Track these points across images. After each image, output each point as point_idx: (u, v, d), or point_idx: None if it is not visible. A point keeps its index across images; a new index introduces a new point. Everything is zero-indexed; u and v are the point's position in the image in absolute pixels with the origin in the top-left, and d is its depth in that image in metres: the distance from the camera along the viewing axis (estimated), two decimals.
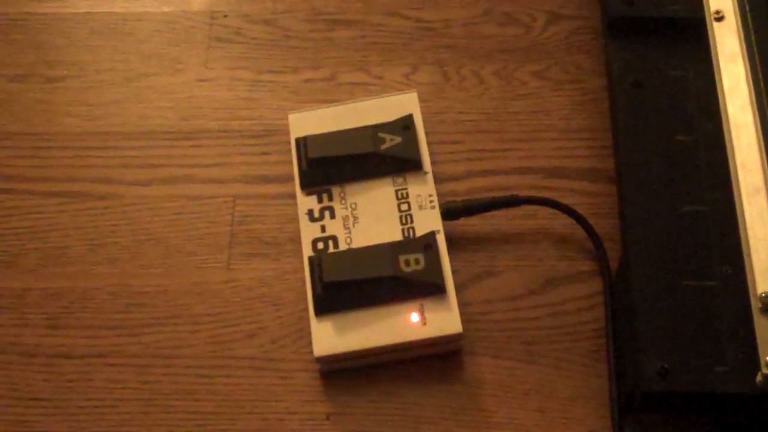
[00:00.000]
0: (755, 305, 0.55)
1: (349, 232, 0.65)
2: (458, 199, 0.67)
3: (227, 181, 0.71)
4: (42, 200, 0.71)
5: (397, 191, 0.66)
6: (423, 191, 0.66)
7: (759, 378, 0.54)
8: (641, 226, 0.61)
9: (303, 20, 0.79)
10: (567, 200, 0.67)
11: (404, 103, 0.70)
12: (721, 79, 0.64)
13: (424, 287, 0.62)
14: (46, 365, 0.64)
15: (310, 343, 0.61)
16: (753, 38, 0.64)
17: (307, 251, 0.64)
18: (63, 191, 0.71)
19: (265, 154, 0.72)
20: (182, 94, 0.75)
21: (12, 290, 0.67)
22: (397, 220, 0.65)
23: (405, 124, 0.68)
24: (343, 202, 0.66)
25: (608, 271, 0.65)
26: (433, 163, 0.68)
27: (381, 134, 0.67)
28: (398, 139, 0.67)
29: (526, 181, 0.70)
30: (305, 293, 0.63)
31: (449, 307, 0.61)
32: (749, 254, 0.57)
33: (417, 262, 0.62)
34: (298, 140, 0.69)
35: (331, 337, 0.61)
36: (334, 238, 0.65)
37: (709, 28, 0.66)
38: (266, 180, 0.71)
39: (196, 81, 0.76)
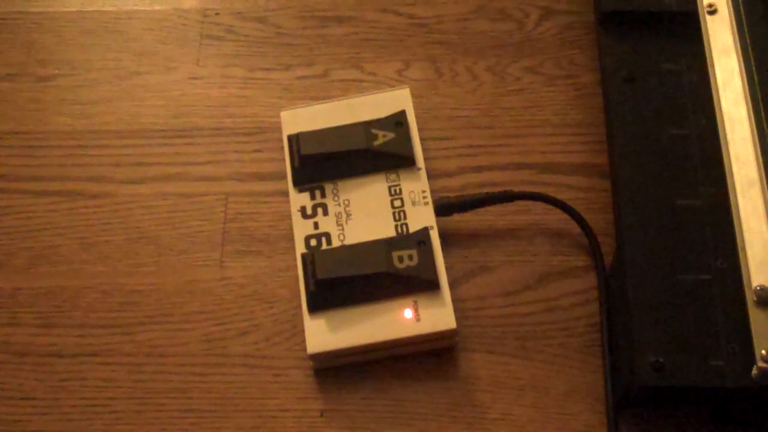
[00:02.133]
0: (750, 298, 0.55)
1: (342, 229, 0.64)
2: (451, 194, 0.67)
3: (220, 178, 0.71)
4: (34, 199, 0.71)
5: (390, 187, 0.66)
6: (416, 187, 0.66)
7: (755, 371, 0.54)
8: (635, 221, 0.61)
9: (295, 17, 0.78)
10: (561, 195, 0.67)
11: (397, 100, 0.69)
12: (714, 73, 0.64)
13: (418, 283, 0.61)
14: (38, 364, 0.64)
15: (303, 340, 0.61)
16: (746, 31, 0.64)
17: (300, 248, 0.64)
18: (55, 190, 0.71)
19: (257, 151, 0.72)
20: (174, 92, 0.75)
21: (3, 289, 0.67)
22: (390, 217, 0.65)
23: (398, 120, 0.68)
24: (336, 198, 0.66)
25: (603, 266, 0.65)
26: (426, 159, 0.68)
27: (374, 130, 0.67)
28: (391, 135, 0.67)
29: (519, 177, 0.69)
30: (298, 290, 0.63)
31: (443, 303, 0.61)
32: (744, 247, 0.57)
33: (410, 258, 0.62)
34: (290, 137, 0.68)
35: (324, 334, 0.61)
36: (327, 235, 0.64)
37: (702, 21, 0.66)
38: (259, 177, 0.71)
39: (188, 79, 0.76)
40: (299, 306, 0.63)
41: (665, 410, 0.60)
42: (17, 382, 0.63)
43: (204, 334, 0.65)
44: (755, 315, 0.55)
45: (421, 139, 0.68)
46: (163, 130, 0.73)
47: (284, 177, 0.68)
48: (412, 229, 0.64)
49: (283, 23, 0.78)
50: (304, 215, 0.65)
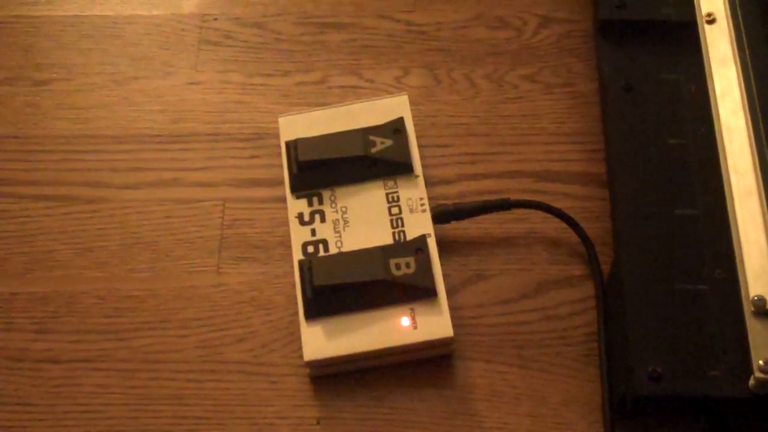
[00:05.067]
0: (747, 308, 0.55)
1: (340, 236, 0.64)
2: (449, 202, 0.67)
3: (217, 184, 0.71)
4: (30, 204, 0.70)
5: (387, 194, 0.66)
6: (414, 194, 0.66)
7: (752, 382, 0.54)
8: (633, 230, 0.61)
9: (294, 23, 0.78)
10: (558, 204, 0.67)
11: (395, 107, 0.69)
12: (713, 83, 0.64)
13: (415, 291, 0.61)
14: (33, 370, 0.64)
15: (300, 348, 0.61)
16: (745, 41, 0.64)
17: (297, 255, 0.64)
18: (51, 195, 0.71)
19: (255, 157, 0.72)
20: (172, 98, 0.75)
21: None
22: (388, 224, 0.65)
23: (396, 128, 0.68)
24: (334, 205, 0.66)
25: (600, 275, 0.65)
26: (424, 166, 0.67)
27: (372, 137, 0.67)
28: (389, 143, 0.67)
29: (517, 185, 0.69)
30: (295, 297, 0.62)
31: (440, 311, 0.61)
32: (741, 257, 0.57)
33: (408, 265, 0.62)
34: (288, 143, 0.68)
35: (321, 341, 0.61)
36: (325, 242, 0.64)
37: (700, 31, 0.66)
38: (256, 183, 0.70)
39: (186, 84, 0.76)
40: (296, 313, 0.62)
41: (662, 420, 0.60)
42: (12, 388, 0.63)
43: (200, 340, 0.64)
44: (753, 325, 0.55)
45: (419, 147, 0.68)
46: (160, 136, 0.73)
47: (281, 183, 0.68)
48: (409, 237, 0.64)
49: (282, 29, 0.78)
50: (302, 222, 0.65)
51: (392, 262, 0.62)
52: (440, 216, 0.66)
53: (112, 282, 0.67)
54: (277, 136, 0.70)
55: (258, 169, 0.71)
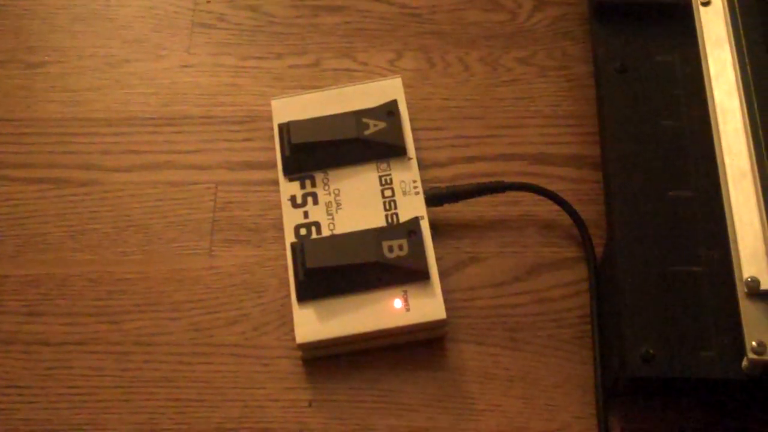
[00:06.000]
0: (741, 290, 0.55)
1: (332, 218, 0.64)
2: (442, 185, 0.66)
3: (209, 167, 0.70)
4: (22, 186, 0.70)
5: (380, 177, 0.65)
6: (407, 177, 0.65)
7: (744, 363, 0.54)
8: (627, 212, 0.61)
9: (287, 6, 0.78)
10: (552, 187, 0.67)
11: (389, 89, 0.69)
12: (707, 65, 0.63)
13: (408, 273, 0.61)
14: (24, 353, 0.64)
15: (292, 330, 0.61)
16: (740, 23, 0.63)
17: (290, 237, 0.64)
18: (43, 177, 0.70)
19: (247, 140, 0.71)
20: (165, 80, 0.75)
21: None
22: (381, 206, 0.64)
23: (389, 110, 0.67)
24: (327, 188, 0.65)
25: (593, 257, 0.64)
26: (417, 149, 0.67)
27: (365, 120, 0.67)
28: (382, 125, 0.67)
29: (511, 168, 0.69)
30: (288, 280, 0.62)
31: (433, 294, 0.61)
32: (735, 239, 0.57)
33: (400, 248, 0.61)
34: (281, 126, 0.68)
35: (313, 323, 0.60)
36: (317, 224, 0.64)
37: (695, 12, 0.65)
38: (249, 166, 0.70)
39: (179, 67, 0.75)
40: (288, 295, 0.62)
41: (655, 401, 0.60)
42: (3, 371, 0.63)
43: (192, 323, 0.64)
44: (746, 306, 0.54)
45: (413, 129, 0.68)
46: (152, 118, 0.73)
47: (274, 166, 0.67)
48: (402, 219, 0.64)
49: (275, 12, 0.78)
50: (294, 204, 0.65)
51: (385, 244, 0.61)
52: (433, 198, 0.65)
53: (104, 265, 0.67)
54: (269, 118, 0.70)
55: (251, 151, 0.71)
